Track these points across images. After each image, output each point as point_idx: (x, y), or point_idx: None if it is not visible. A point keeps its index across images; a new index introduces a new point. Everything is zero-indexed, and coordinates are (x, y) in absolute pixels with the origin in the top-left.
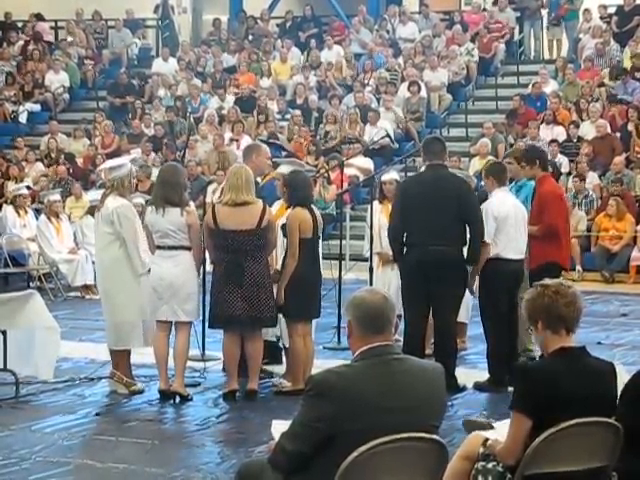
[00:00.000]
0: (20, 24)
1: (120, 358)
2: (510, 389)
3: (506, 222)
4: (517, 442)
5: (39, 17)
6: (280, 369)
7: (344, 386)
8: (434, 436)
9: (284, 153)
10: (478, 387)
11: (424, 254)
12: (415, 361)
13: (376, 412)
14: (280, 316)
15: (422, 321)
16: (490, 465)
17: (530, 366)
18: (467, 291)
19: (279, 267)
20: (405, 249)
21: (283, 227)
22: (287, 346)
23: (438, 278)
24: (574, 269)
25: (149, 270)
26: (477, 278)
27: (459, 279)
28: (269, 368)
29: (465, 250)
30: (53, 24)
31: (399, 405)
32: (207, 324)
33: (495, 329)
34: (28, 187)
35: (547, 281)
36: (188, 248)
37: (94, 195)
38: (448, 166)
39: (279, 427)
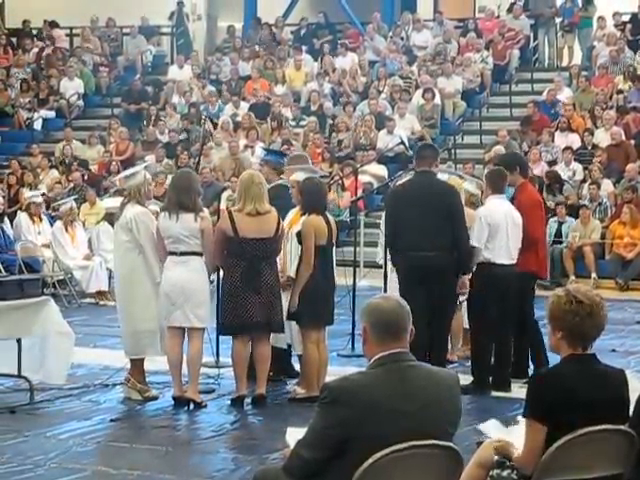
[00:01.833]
0: (35, 31)
1: (135, 365)
2: (494, 393)
3: (498, 229)
4: (533, 450)
5: (54, 24)
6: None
7: (359, 393)
8: (449, 443)
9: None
10: (462, 390)
11: (414, 260)
12: (429, 367)
13: (389, 416)
14: (293, 323)
15: (424, 327)
16: (505, 473)
17: (537, 372)
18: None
19: (292, 274)
20: (397, 256)
21: (298, 234)
22: (300, 353)
23: (430, 284)
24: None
25: None
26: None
27: (449, 285)
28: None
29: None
30: (68, 31)
31: (410, 409)
32: (220, 331)
33: (482, 333)
34: (43, 194)
35: (582, 296)
36: (200, 254)
37: (110, 202)
38: (460, 173)
39: (294, 434)
